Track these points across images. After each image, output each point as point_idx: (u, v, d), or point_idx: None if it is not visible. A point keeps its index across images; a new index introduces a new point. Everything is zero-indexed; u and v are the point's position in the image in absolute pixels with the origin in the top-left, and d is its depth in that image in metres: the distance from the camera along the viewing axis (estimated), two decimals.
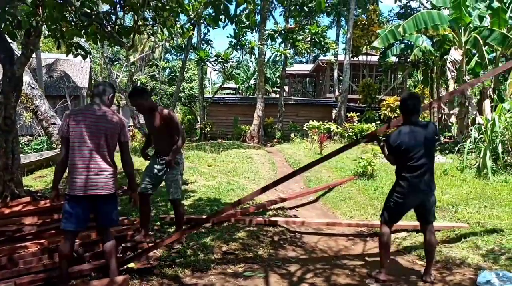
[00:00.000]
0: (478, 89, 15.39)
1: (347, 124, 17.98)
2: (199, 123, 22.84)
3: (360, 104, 21.90)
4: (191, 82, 33.98)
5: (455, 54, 12.17)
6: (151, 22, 5.60)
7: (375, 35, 18.40)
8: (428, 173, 3.51)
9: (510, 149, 7.95)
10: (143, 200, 4.21)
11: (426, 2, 20.60)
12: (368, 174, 8.34)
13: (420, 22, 12.35)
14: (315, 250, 4.63)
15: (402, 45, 17.48)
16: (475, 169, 7.91)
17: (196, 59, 20.69)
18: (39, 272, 3.30)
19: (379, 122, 18.43)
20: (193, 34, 17.56)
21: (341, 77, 21.59)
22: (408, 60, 18.86)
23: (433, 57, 15.76)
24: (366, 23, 21.61)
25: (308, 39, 20.34)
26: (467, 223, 4.94)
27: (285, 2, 19.99)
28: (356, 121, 18.72)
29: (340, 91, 21.95)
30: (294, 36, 19.65)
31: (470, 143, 8.60)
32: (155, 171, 4.22)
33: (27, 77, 8.92)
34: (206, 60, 19.74)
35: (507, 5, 11.37)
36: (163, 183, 4.36)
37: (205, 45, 21.52)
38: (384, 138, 3.78)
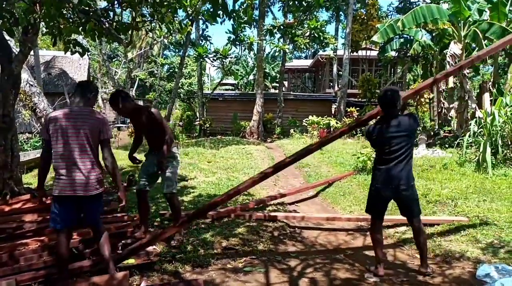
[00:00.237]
0: (478, 83, 15.38)
1: (346, 120, 17.97)
2: (198, 119, 22.83)
3: (360, 99, 21.86)
4: (190, 78, 33.91)
5: (455, 48, 12.16)
6: (149, 19, 5.59)
7: (374, 30, 18.35)
8: (401, 166, 3.49)
9: (509, 143, 7.95)
10: (141, 197, 4.23)
11: None
12: (367, 168, 8.34)
13: (419, 16, 12.33)
14: (315, 245, 4.64)
15: (402, 40, 17.45)
16: (474, 163, 7.91)
17: (194, 55, 20.65)
18: (40, 269, 3.30)
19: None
20: (191, 30, 17.50)
21: (341, 72, 21.55)
22: (408, 54, 18.84)
23: (432, 51, 15.74)
24: (365, 17, 21.53)
25: (307, 34, 20.30)
26: (466, 217, 4.95)
27: None
28: (356, 117, 18.70)
29: (339, 86, 21.92)
30: (293, 31, 19.61)
31: (469, 136, 8.60)
32: (152, 167, 4.22)
33: (25, 75, 8.88)
34: (205, 56, 19.71)
35: None
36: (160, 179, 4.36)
37: (204, 41, 21.48)
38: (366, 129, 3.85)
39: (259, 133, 19.35)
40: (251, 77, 29.87)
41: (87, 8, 4.69)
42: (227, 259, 3.96)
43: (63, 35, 4.75)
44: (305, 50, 31.29)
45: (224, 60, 20.46)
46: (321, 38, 20.18)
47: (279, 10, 22.10)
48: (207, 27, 21.91)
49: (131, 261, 3.62)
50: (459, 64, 4.65)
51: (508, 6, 11.25)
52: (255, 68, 22.71)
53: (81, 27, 4.69)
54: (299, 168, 10.17)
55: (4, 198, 4.73)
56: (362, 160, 8.46)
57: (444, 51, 13.39)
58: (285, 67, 24.18)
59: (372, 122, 3.96)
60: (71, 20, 4.72)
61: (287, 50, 21.79)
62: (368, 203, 3.78)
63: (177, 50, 34.73)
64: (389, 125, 3.54)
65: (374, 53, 23.85)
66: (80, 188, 3.00)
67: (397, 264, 4.01)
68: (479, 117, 9.41)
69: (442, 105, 16.41)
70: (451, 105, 15.38)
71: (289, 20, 20.82)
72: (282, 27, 19.47)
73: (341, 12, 27.94)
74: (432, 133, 14.80)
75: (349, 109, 19.52)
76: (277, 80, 25.70)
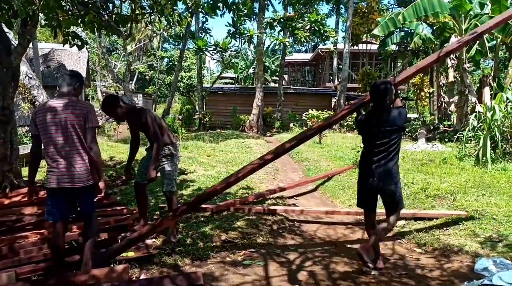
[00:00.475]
0: (478, 77, 15.34)
1: None
2: (197, 113, 22.80)
3: (360, 93, 21.82)
4: (190, 72, 33.84)
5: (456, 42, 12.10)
6: (148, 11, 5.56)
7: (375, 23, 18.26)
8: (383, 161, 3.48)
9: (509, 137, 7.96)
10: (139, 190, 4.22)
11: None
12: None
13: (420, 9, 12.25)
14: (314, 239, 4.66)
15: (402, 33, 17.38)
16: (474, 157, 7.92)
17: (194, 48, 20.57)
18: (40, 262, 3.32)
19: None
20: (191, 22, 17.41)
21: (341, 66, 21.48)
22: (408, 48, 18.79)
23: (433, 45, 15.68)
24: (366, 10, 21.41)
25: (307, 27, 20.21)
26: (465, 211, 4.96)
27: None
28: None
29: (339, 80, 21.86)
30: (293, 24, 19.51)
31: (469, 131, 8.59)
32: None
33: (24, 68, 8.87)
34: (204, 49, 19.65)
35: None
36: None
37: (204, 34, 21.38)
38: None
39: (259, 127, 19.34)
40: (251, 70, 29.76)
41: (86, 0, 4.67)
42: (226, 252, 3.97)
43: (62, 27, 4.73)
44: (305, 44, 31.19)
45: (224, 53, 20.41)
46: (322, 31, 20.08)
47: (279, 3, 21.98)
48: (207, 20, 21.78)
49: (131, 254, 3.63)
50: (463, 39, 4.41)
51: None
52: (255, 62, 22.63)
53: (80, 19, 4.66)
54: (299, 162, 10.17)
55: (4, 190, 4.74)
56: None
57: (445, 45, 13.31)
58: (285, 60, 24.12)
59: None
60: (70, 12, 4.70)
61: (287, 44, 21.70)
62: (357, 196, 3.80)
63: (176, 43, 34.61)
64: (376, 118, 3.53)
65: (374, 46, 23.79)
66: (71, 179, 2.97)
67: (396, 257, 4.02)
68: (479, 111, 9.40)
69: (442, 99, 16.40)
70: (451, 100, 15.37)
71: (289, 13, 20.72)
72: (282, 20, 19.36)
73: (341, 5, 27.79)
74: (432, 127, 14.79)
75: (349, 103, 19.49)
76: (277, 74, 25.62)
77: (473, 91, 12.56)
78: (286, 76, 31.48)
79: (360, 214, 5.27)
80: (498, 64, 14.05)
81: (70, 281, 2.90)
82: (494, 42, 13.42)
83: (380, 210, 3.86)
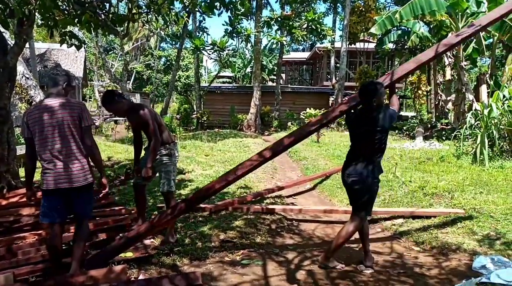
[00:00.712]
0: (475, 75, 15.36)
1: None
2: (195, 112, 22.78)
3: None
4: (187, 71, 33.79)
5: None
6: (145, 10, 5.53)
7: (372, 22, 18.28)
8: (361, 159, 3.49)
9: (506, 135, 7.98)
10: (138, 190, 4.20)
11: None
12: None
13: (417, 8, 12.29)
14: (312, 238, 4.66)
15: (399, 32, 17.42)
16: (471, 155, 7.94)
17: (191, 48, 20.54)
18: (38, 263, 3.30)
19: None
20: (188, 21, 17.38)
21: (338, 65, 21.49)
22: (405, 46, 18.79)
23: (430, 43, 15.69)
24: (363, 9, 21.41)
25: (305, 26, 20.20)
26: (463, 209, 4.97)
27: None
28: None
29: (337, 78, 21.87)
30: (291, 23, 19.50)
31: (466, 129, 8.62)
32: None
33: (21, 67, 8.82)
34: (202, 48, 19.62)
35: None
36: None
37: (201, 33, 21.37)
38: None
39: (257, 126, 19.35)
40: (248, 69, 29.76)
41: (82, 0, 4.64)
42: (225, 252, 3.97)
43: (58, 27, 4.70)
44: (302, 43, 31.22)
45: (221, 52, 20.37)
46: (319, 30, 20.08)
47: (276, 2, 21.95)
48: (204, 19, 21.81)
49: (129, 254, 3.63)
50: (463, 32, 4.25)
51: None
52: (253, 61, 22.62)
53: (76, 19, 4.63)
54: (297, 161, 10.18)
55: (1, 191, 4.72)
56: None
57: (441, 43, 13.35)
58: (283, 59, 24.11)
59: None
60: (66, 12, 4.68)
61: (285, 42, 21.69)
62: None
63: (174, 43, 34.59)
64: (362, 118, 3.53)
65: (371, 45, 23.80)
66: (69, 180, 2.95)
67: (394, 256, 4.03)
68: (476, 109, 9.43)
69: (439, 97, 16.44)
70: (448, 98, 15.41)
71: (287, 12, 20.69)
72: (279, 19, 19.36)
73: (338, 4, 27.77)
74: (429, 125, 14.84)
75: None
76: (275, 72, 25.64)
77: (470, 89, 12.60)
78: (283, 75, 31.49)
79: None
80: (495, 62, 14.10)
81: (68, 282, 2.89)
82: (491, 40, 13.46)
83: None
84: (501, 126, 7.93)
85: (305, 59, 32.25)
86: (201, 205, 4.91)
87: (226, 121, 21.44)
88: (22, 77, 8.96)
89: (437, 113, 16.87)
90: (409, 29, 15.47)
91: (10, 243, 3.54)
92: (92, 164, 3.17)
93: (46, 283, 2.92)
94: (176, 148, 4.29)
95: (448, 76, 15.19)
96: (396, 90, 4.28)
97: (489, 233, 4.31)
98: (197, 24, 21.58)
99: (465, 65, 12.78)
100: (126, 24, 5.26)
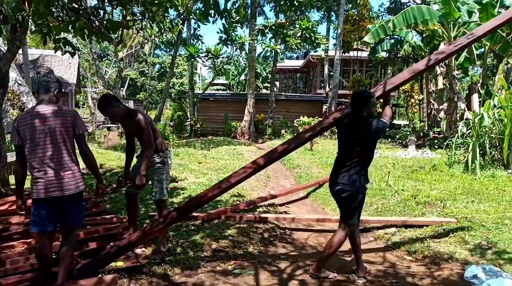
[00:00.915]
0: (467, 84, 15.52)
1: None
2: (189, 119, 22.74)
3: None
4: (181, 78, 33.80)
5: None
6: (139, 17, 5.53)
7: (365, 30, 18.44)
8: (347, 167, 3.47)
9: (497, 144, 8.05)
10: (130, 198, 4.17)
11: None
12: None
13: (409, 17, 12.43)
14: (305, 247, 4.64)
15: (392, 41, 17.58)
16: (463, 164, 7.99)
17: (186, 55, 20.57)
18: (26, 272, 3.25)
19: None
20: (182, 29, 17.42)
21: (332, 73, 21.61)
22: (398, 55, 18.97)
23: (422, 52, 15.88)
24: (356, 18, 21.64)
25: (299, 34, 20.35)
26: (455, 218, 4.99)
27: None
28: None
29: (330, 87, 21.98)
30: (285, 31, 19.64)
31: (458, 138, 8.68)
32: None
33: (13, 74, 8.76)
34: (196, 55, 19.65)
35: (495, 0, 11.46)
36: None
37: (195, 41, 21.42)
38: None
39: (250, 134, 19.34)
40: (242, 77, 29.81)
41: (76, 6, 4.64)
42: (217, 261, 3.94)
43: (52, 33, 4.69)
44: (296, 51, 31.41)
45: (215, 60, 20.42)
46: (313, 38, 20.24)
47: (270, 10, 22.19)
48: (198, 26, 21.86)
49: (120, 263, 3.59)
50: (458, 43, 4.25)
51: (497, 7, 11.38)
52: (247, 68, 22.69)
53: (70, 26, 4.62)
54: (290, 169, 10.17)
55: None
56: None
57: (434, 53, 13.48)
58: (277, 67, 24.20)
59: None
60: (60, 19, 4.66)
61: (279, 51, 21.81)
62: None
63: (168, 50, 34.55)
64: (351, 126, 3.55)
65: (365, 54, 23.99)
66: (60, 188, 2.92)
67: (386, 266, 4.03)
68: (468, 118, 9.51)
69: (431, 106, 16.58)
70: (440, 107, 15.54)
71: (281, 20, 20.85)
72: (273, 27, 19.48)
73: (332, 13, 28.02)
74: (421, 134, 14.94)
75: None
76: (269, 80, 25.69)
77: (462, 98, 12.72)
78: (277, 83, 31.59)
79: None
80: (486, 72, 14.25)
81: None
82: (483, 49, 13.63)
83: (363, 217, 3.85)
84: (492, 135, 8.01)
85: (299, 67, 32.42)
86: (194, 214, 4.88)
87: (220, 129, 21.42)
88: (15, 83, 8.89)
89: (429, 122, 16.99)
90: (402, 38, 15.63)
91: None
92: (84, 171, 3.15)
93: None
94: (169, 156, 4.26)
95: (440, 85, 15.33)
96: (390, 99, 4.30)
97: (481, 242, 4.33)
98: (192, 32, 21.64)
99: (457, 75, 12.91)
100: (120, 31, 5.26)
